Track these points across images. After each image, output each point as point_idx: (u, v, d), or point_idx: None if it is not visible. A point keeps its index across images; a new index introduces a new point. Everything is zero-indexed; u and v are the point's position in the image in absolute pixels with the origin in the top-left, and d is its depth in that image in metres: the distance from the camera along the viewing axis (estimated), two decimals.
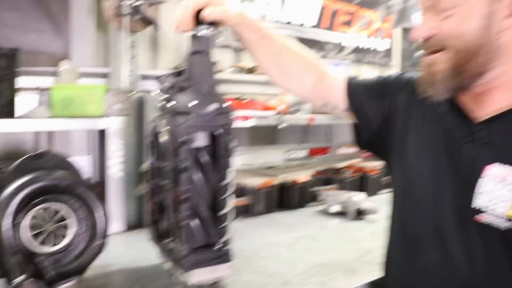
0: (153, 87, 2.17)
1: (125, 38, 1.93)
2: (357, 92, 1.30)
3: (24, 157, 1.35)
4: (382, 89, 1.28)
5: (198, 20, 1.19)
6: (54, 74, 1.89)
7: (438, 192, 1.10)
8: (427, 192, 1.13)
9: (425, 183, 1.14)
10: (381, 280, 1.35)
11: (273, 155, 2.81)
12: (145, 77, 2.09)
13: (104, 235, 1.27)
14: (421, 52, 1.07)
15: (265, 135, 2.85)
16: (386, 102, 1.26)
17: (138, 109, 1.94)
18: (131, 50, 1.94)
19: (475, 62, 1.00)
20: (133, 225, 1.93)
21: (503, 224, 0.97)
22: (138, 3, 1.92)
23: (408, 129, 1.20)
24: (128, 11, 1.90)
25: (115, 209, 1.80)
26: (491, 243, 1.01)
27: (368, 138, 1.31)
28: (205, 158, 1.26)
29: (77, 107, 1.75)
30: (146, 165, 1.83)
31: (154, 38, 2.26)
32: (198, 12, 1.19)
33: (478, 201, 1.01)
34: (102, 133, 1.85)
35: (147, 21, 1.99)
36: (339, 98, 1.30)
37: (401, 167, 1.22)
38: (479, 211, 1.01)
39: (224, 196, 1.28)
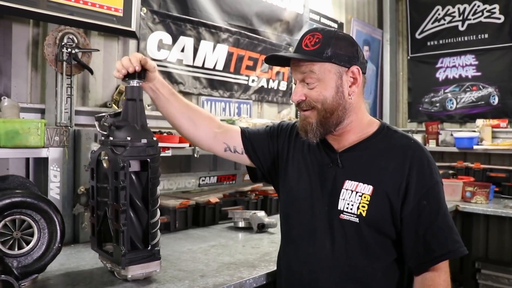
0: (85, 121, 2.45)
1: (62, 79, 2.22)
2: (250, 139, 1.65)
3: None
4: (269, 135, 1.67)
5: (130, 75, 1.49)
6: None
7: (313, 203, 1.50)
8: (305, 204, 1.53)
9: (303, 198, 1.53)
10: (275, 272, 1.75)
11: (187, 181, 3.07)
12: (77, 113, 2.35)
13: (61, 240, 1.55)
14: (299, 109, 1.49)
15: (181, 164, 3.12)
16: (272, 145, 1.65)
17: (73, 140, 2.20)
18: (68, 90, 2.24)
19: (335, 116, 1.43)
20: (69, 242, 2.12)
21: (355, 219, 1.41)
22: (74, 51, 2.23)
23: (289, 161, 1.61)
24: (66, 58, 2.21)
25: None
26: (349, 233, 1.42)
27: (262, 174, 1.69)
28: (138, 179, 1.58)
29: (21, 138, 1.98)
30: (80, 188, 2.13)
31: (84, 78, 2.56)
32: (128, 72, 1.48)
33: (341, 204, 1.44)
34: (42, 161, 2.11)
35: (81, 66, 2.30)
36: (237, 142, 1.64)
37: (285, 189, 1.61)
38: (342, 211, 1.43)
39: (153, 208, 1.59)
